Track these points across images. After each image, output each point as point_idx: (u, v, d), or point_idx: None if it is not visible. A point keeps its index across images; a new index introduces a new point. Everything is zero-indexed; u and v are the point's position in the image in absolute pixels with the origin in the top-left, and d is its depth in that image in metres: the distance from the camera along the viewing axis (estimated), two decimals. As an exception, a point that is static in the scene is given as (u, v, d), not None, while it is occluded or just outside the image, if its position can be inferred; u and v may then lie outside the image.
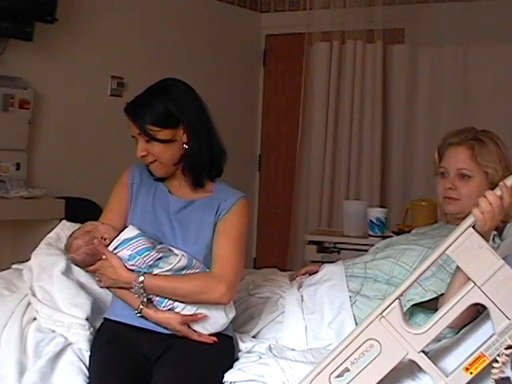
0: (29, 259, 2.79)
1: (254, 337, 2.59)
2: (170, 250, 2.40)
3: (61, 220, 3.11)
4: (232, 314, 2.43)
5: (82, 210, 4.00)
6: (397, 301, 2.03)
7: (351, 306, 2.57)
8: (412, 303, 2.42)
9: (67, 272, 2.58)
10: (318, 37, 5.76)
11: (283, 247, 5.89)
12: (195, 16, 5.98)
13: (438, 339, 2.24)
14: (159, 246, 2.40)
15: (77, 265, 2.54)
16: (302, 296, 2.69)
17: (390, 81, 5.64)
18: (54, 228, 2.96)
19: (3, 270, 2.87)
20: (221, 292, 2.33)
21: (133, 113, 2.48)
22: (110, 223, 2.49)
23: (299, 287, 2.79)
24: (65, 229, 2.83)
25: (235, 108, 6.14)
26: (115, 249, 2.39)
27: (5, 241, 4.76)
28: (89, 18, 5.20)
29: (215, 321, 2.38)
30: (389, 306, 2.03)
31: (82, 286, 2.56)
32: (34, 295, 2.58)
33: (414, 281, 2.06)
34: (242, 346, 2.48)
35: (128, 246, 2.37)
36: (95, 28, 5.27)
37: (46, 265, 2.64)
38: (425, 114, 5.54)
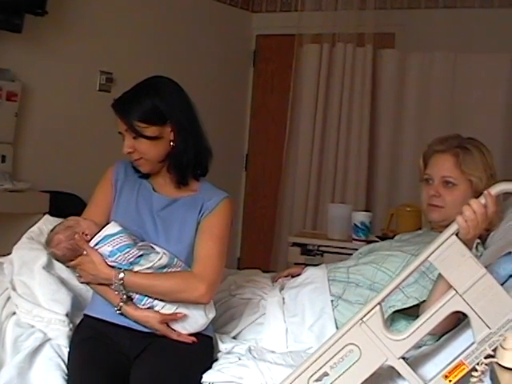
0: (10, 253, 2.78)
1: (234, 338, 2.59)
2: (151, 247, 2.40)
3: (44, 214, 3.10)
4: (212, 315, 2.42)
5: (67, 205, 3.99)
6: (378, 306, 2.03)
7: (332, 310, 2.57)
8: (393, 309, 2.42)
9: (48, 267, 2.57)
10: (308, 39, 5.76)
11: (267, 248, 5.89)
12: (186, 13, 5.97)
13: (418, 346, 2.24)
14: (140, 244, 2.39)
15: (57, 259, 2.53)
16: (283, 298, 2.69)
17: (379, 85, 5.63)
18: (36, 222, 2.95)
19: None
20: (200, 291, 2.32)
21: (120, 109, 2.48)
22: (93, 219, 2.49)
23: (281, 289, 2.79)
24: (47, 223, 2.81)
25: (224, 107, 6.13)
26: (96, 245, 2.38)
27: (-13, 234, 4.74)
28: (79, 11, 5.18)
29: (195, 320, 2.38)
30: (370, 311, 2.03)
31: (62, 282, 2.56)
32: (14, 289, 2.57)
33: (396, 287, 2.06)
34: (222, 346, 2.47)
35: (109, 243, 2.36)
36: (85, 22, 5.25)
37: (28, 259, 2.63)
38: (413, 119, 5.54)
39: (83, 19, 5.22)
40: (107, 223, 2.45)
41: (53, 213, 3.10)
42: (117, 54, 5.46)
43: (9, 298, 2.55)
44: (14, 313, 2.50)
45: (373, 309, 2.03)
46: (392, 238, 3.11)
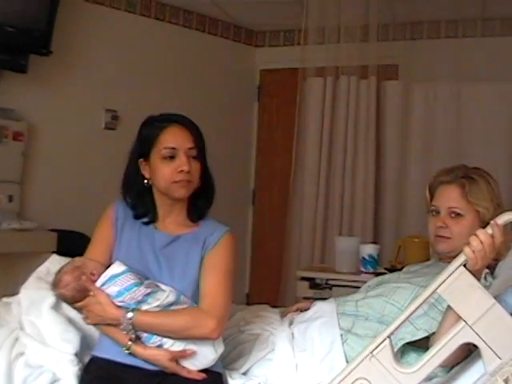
0: (18, 292, 2.78)
1: (243, 374, 2.56)
2: (156, 285, 2.39)
3: (52, 253, 3.10)
4: (221, 350, 2.41)
5: (75, 243, 3.96)
6: (387, 339, 2.02)
7: (342, 344, 2.55)
8: (403, 342, 2.41)
9: (56, 306, 2.56)
10: (312, 72, 5.77)
11: (276, 283, 5.86)
12: (189, 50, 6.01)
13: (429, 378, 2.22)
14: (147, 282, 2.38)
15: (65, 301, 2.51)
16: (292, 333, 2.67)
17: (383, 117, 5.64)
18: (44, 261, 2.94)
19: (-9, 303, 2.85)
20: (210, 327, 2.31)
21: (192, 126, 2.50)
22: (96, 258, 2.47)
23: (290, 324, 2.77)
24: (55, 263, 2.80)
25: (229, 143, 6.14)
26: (103, 285, 2.37)
27: (-5, 273, 4.74)
28: (83, 51, 5.23)
29: (204, 356, 2.36)
30: (379, 344, 2.02)
31: (71, 321, 2.54)
32: (22, 329, 2.56)
33: (405, 319, 2.06)
34: (232, 382, 2.46)
35: (115, 282, 2.35)
36: (90, 61, 5.29)
37: (36, 299, 2.62)
38: (418, 150, 5.54)
39: (87, 58, 5.26)
40: (111, 263, 2.45)
41: (60, 252, 3.11)
42: (121, 91, 5.49)
43: (17, 338, 2.54)
44: (23, 353, 2.50)
45: (382, 342, 2.02)
46: (400, 269, 3.09)
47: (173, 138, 2.46)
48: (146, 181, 2.51)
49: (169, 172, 2.44)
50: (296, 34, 6.24)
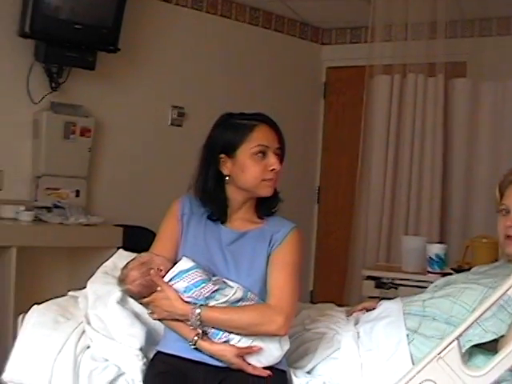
0: (85, 287, 2.81)
1: (308, 372, 2.55)
2: (224, 282, 2.39)
3: (118, 248, 3.13)
4: (286, 347, 2.39)
5: (140, 239, 4.00)
6: (455, 341, 1.99)
7: (408, 344, 2.51)
8: (471, 344, 2.36)
9: (122, 301, 2.58)
10: (379, 70, 5.71)
11: (340, 281, 5.82)
12: (256, 47, 6.01)
13: (497, 382, 2.17)
14: (214, 278, 2.38)
15: (131, 296, 2.53)
16: (358, 332, 2.65)
17: (451, 115, 5.56)
18: (110, 256, 2.97)
19: (59, 296, 2.88)
20: (278, 324, 2.30)
21: (278, 126, 2.53)
22: (162, 254, 2.48)
23: (356, 323, 2.75)
24: (121, 258, 2.83)
25: (295, 140, 6.07)
26: (170, 280, 2.38)
27: (62, 267, 4.81)
28: (150, 48, 5.27)
29: (270, 353, 2.35)
30: (447, 346, 1.98)
31: (136, 316, 2.56)
32: (88, 323, 2.59)
33: (474, 321, 2.01)
34: (296, 381, 2.44)
35: (184, 278, 2.35)
36: (156, 58, 5.33)
37: (102, 293, 2.65)
38: (487, 150, 5.44)
39: (155, 55, 5.30)
40: (177, 258, 2.46)
41: (126, 247, 3.14)
42: (188, 88, 5.52)
43: (83, 331, 2.57)
44: (89, 346, 2.53)
45: (450, 344, 1.98)
46: (468, 270, 3.04)
47: (265, 137, 2.47)
48: (226, 177, 2.50)
49: (259, 170, 2.45)
50: (363, 32, 6.19)
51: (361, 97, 5.81)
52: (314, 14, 6.20)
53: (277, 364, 2.38)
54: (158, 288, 2.38)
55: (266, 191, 2.49)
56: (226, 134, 2.50)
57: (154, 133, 5.37)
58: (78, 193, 4.82)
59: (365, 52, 5.80)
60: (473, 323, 2.02)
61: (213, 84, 5.67)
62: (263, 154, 2.46)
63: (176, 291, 2.35)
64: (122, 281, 2.51)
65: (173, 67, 5.45)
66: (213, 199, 2.51)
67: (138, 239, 3.91)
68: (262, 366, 2.35)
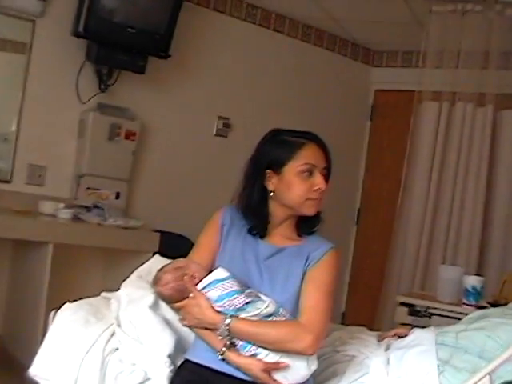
0: (118, 289, 2.81)
1: (334, 395, 2.52)
2: (257, 295, 2.37)
3: (154, 254, 3.13)
4: (314, 367, 2.36)
5: (176, 246, 4.01)
6: (487, 376, 1.95)
7: (438, 375, 2.47)
8: (502, 381, 2.32)
9: (154, 307, 2.58)
10: (428, 96, 5.67)
11: (373, 305, 5.78)
12: (307, 64, 6.01)
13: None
14: (248, 291, 2.37)
15: (163, 299, 2.54)
16: (388, 358, 2.61)
17: (497, 147, 5.50)
18: (146, 261, 2.97)
19: (92, 296, 2.89)
20: (307, 342, 2.28)
21: (326, 145, 2.52)
22: (199, 262, 2.48)
23: (386, 349, 2.71)
24: (157, 263, 2.82)
25: (338, 160, 6.04)
26: (204, 288, 2.37)
27: (97, 268, 4.84)
28: (201, 56, 5.30)
29: (297, 371, 2.33)
30: (478, 381, 1.95)
31: (167, 323, 2.56)
32: (119, 325, 2.59)
33: (508, 358, 1.98)
34: (322, 402, 2.42)
35: (217, 287, 2.35)
36: (206, 67, 5.36)
37: (135, 297, 2.65)
38: (532, 185, 5.38)
39: (204, 64, 5.33)
40: (213, 268, 2.44)
41: (162, 253, 3.14)
42: (235, 99, 5.54)
43: (113, 333, 2.57)
44: (117, 348, 2.52)
45: (482, 379, 1.95)
46: (504, 305, 2.99)
47: (313, 156, 2.46)
48: (271, 193, 2.49)
49: (305, 188, 2.44)
50: (414, 56, 6.17)
51: (407, 122, 5.77)
52: (367, 36, 6.20)
53: (303, 383, 2.35)
54: (191, 294, 2.38)
55: (309, 210, 2.48)
56: (274, 150, 2.48)
57: (198, 141, 5.39)
58: (118, 195, 4.85)
59: (415, 77, 5.76)
60: (506, 360, 1.98)
61: (260, 97, 5.68)
62: (310, 172, 2.44)
63: (208, 300, 2.35)
64: (155, 283, 2.52)
65: (222, 78, 5.47)
66: (255, 213, 2.50)
67: (174, 246, 3.92)
68: (288, 383, 2.32)
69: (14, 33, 4.70)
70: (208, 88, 5.41)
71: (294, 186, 2.44)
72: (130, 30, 4.62)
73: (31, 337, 4.03)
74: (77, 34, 4.59)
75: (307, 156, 2.45)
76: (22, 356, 4.21)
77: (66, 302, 2.76)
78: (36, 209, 4.53)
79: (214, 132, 5.47)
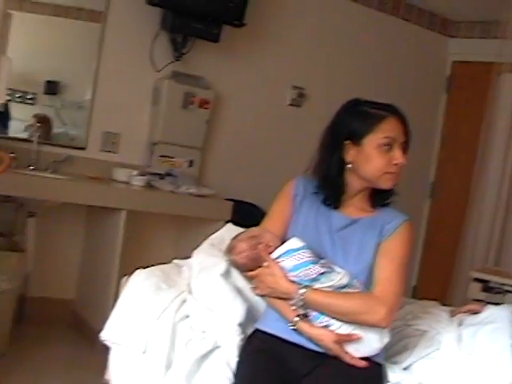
0: (189, 256, 2.82)
1: (404, 369, 2.49)
2: (331, 266, 2.36)
3: (226, 222, 3.13)
4: (386, 339, 2.34)
5: (248, 215, 4.01)
6: None
7: (511, 354, 2.42)
8: None
9: (226, 275, 2.58)
10: (507, 68, 5.54)
11: (445, 279, 5.71)
12: (381, 34, 5.92)
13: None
14: (322, 261, 2.35)
15: (236, 267, 2.54)
16: (460, 335, 2.57)
17: None
18: (218, 229, 2.98)
19: (164, 263, 2.91)
20: (381, 315, 2.26)
21: (406, 119, 2.48)
22: (272, 231, 2.47)
23: (459, 325, 2.67)
24: (230, 232, 2.82)
25: (413, 132, 6.01)
26: (278, 258, 2.36)
27: (169, 235, 4.88)
28: (275, 26, 5.25)
29: (369, 344, 2.31)
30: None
31: (238, 291, 2.56)
32: (190, 293, 2.61)
33: None
34: (392, 376, 2.39)
35: (292, 257, 2.33)
36: (282, 36, 5.31)
37: (207, 265, 2.66)
38: None
39: (280, 33, 5.28)
40: (286, 238, 2.43)
41: (233, 221, 3.13)
42: (310, 69, 5.49)
43: (184, 300, 2.58)
44: (188, 316, 2.54)
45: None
46: None
47: (393, 129, 2.42)
48: (349, 165, 2.46)
49: (384, 162, 2.40)
50: (493, 27, 6.00)
51: (485, 94, 5.65)
52: (444, 6, 6.06)
53: (374, 356, 2.34)
54: (265, 263, 2.37)
55: (387, 184, 2.45)
56: (354, 121, 2.45)
57: (272, 111, 5.36)
58: (191, 163, 4.87)
59: (493, 48, 5.63)
60: None
61: (336, 67, 5.62)
62: (389, 146, 2.40)
63: (282, 269, 2.34)
64: (229, 251, 2.52)
65: (297, 47, 5.42)
66: (331, 184, 2.48)
67: (246, 215, 3.92)
68: (360, 355, 2.31)
69: (89, 1, 4.74)
70: (283, 57, 5.37)
71: (373, 158, 2.41)
72: (204, -2, 4.62)
73: (103, 302, 4.10)
74: (151, 2, 4.59)
75: (388, 129, 2.41)
76: (93, 320, 4.29)
77: (137, 269, 2.79)
78: (110, 176, 4.58)
79: (288, 101, 5.44)
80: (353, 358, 2.29)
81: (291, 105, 5.44)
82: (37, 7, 4.57)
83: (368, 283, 2.36)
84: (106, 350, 2.75)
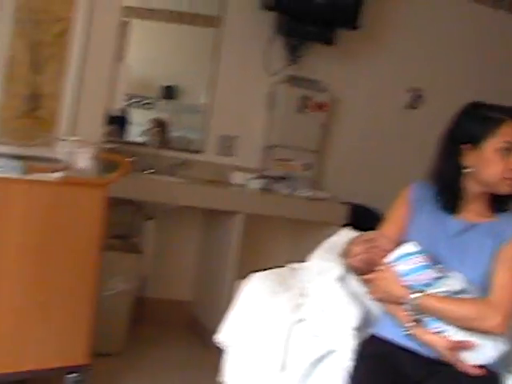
0: (304, 260, 2.82)
1: (524, 379, 2.41)
2: (447, 271, 2.31)
3: (343, 226, 3.11)
4: (503, 347, 2.28)
5: (364, 219, 3.98)
6: None
7: None
8: None
9: (342, 280, 2.57)
10: None
11: None
12: (500, 33, 5.74)
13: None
14: (438, 266, 2.31)
15: (352, 271, 2.52)
16: None
17: None
18: (334, 233, 2.96)
19: (279, 266, 2.92)
20: (496, 321, 2.21)
21: None
22: (388, 235, 2.45)
23: None
24: (346, 235, 2.80)
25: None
26: (392, 262, 2.34)
27: (284, 238, 4.89)
28: (391, 28, 5.20)
29: (484, 351, 2.25)
30: None
31: (354, 296, 2.54)
32: (306, 296, 2.60)
33: None
34: (509, 387, 2.32)
35: (406, 261, 2.31)
36: (396, 38, 5.25)
37: (323, 269, 2.65)
38: None
39: (394, 35, 5.23)
40: (401, 242, 2.40)
41: (349, 225, 3.11)
42: (427, 71, 5.41)
43: (300, 304, 2.58)
44: (303, 319, 2.53)
45: None
46: None
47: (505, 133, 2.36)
48: (468, 169, 2.41)
49: (502, 167, 2.35)
50: None
51: None
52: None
53: (490, 364, 2.27)
54: (380, 267, 2.35)
55: (505, 189, 2.38)
56: (474, 125, 2.40)
57: (388, 113, 5.31)
58: (307, 166, 4.86)
59: None
60: None
61: (453, 69, 5.50)
62: (508, 150, 2.34)
63: (396, 273, 2.31)
64: (344, 254, 2.52)
65: (412, 49, 5.35)
66: (449, 189, 2.44)
67: (362, 219, 3.89)
68: (474, 363, 2.25)
69: (203, 7, 4.81)
70: (398, 59, 5.30)
71: (492, 163, 2.35)
72: (318, 1, 4.61)
73: (218, 304, 4.13)
74: (266, 7, 4.62)
75: (507, 133, 2.35)
76: (208, 322, 4.34)
77: (252, 272, 2.80)
78: (226, 179, 4.64)
79: (405, 104, 5.37)
80: (467, 365, 2.24)
81: (408, 107, 5.36)
82: (153, 14, 4.69)
83: (483, 289, 2.30)
84: (219, 351, 2.78)
